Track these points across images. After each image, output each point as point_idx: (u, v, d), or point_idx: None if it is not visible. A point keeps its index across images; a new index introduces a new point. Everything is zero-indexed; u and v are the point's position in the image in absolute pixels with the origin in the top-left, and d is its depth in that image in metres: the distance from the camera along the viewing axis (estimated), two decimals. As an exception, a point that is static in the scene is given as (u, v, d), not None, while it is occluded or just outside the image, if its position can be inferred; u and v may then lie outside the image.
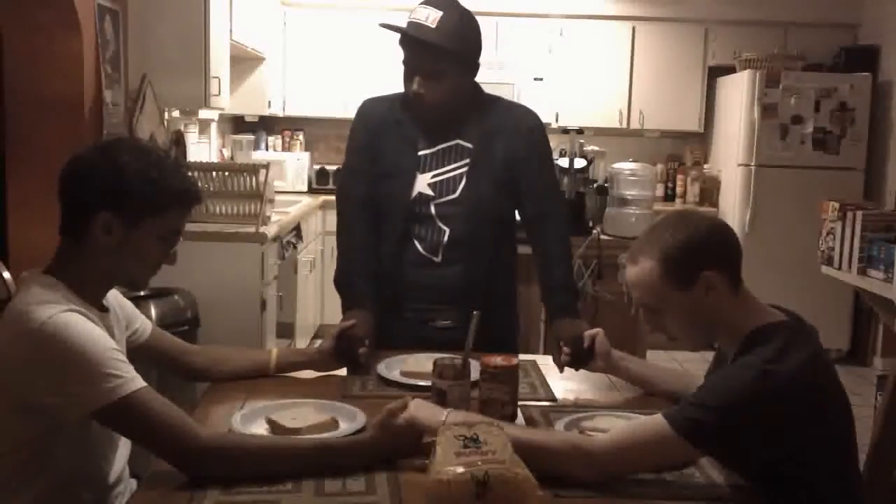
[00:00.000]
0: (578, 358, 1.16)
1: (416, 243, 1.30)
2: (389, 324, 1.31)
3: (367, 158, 1.32)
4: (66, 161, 0.92)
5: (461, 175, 1.29)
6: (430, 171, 1.30)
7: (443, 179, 1.29)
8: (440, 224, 1.29)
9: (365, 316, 1.25)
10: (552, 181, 1.37)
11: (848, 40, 3.60)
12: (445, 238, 1.29)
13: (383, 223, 1.32)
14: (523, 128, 1.32)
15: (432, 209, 1.29)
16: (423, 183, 1.29)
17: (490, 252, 1.32)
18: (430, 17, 1.23)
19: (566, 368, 1.19)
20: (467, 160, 1.29)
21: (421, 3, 1.26)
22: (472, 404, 0.99)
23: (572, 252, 1.39)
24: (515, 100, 2.89)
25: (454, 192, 1.29)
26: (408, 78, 1.28)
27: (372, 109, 1.35)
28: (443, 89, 1.26)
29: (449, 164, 1.30)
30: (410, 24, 1.25)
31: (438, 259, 1.29)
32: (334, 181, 3.62)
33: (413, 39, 1.24)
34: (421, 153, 1.30)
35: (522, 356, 1.20)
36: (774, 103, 3.32)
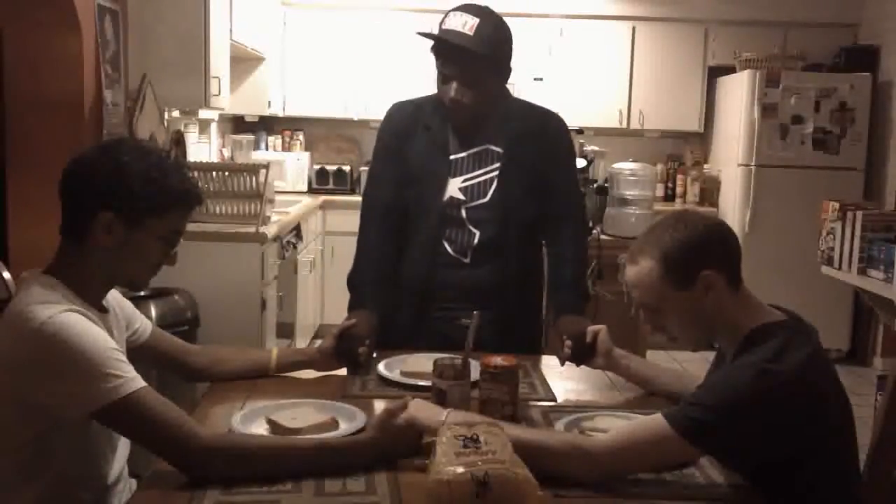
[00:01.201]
0: (580, 353, 1.16)
1: (446, 245, 1.30)
2: (415, 325, 1.31)
3: (394, 163, 1.33)
4: (66, 161, 0.92)
5: (492, 179, 1.30)
6: (461, 175, 1.30)
7: (474, 184, 1.30)
8: (470, 227, 1.30)
9: (367, 316, 1.25)
10: (574, 185, 1.39)
11: (848, 40, 3.60)
12: (476, 240, 1.30)
13: (413, 226, 1.32)
14: (551, 131, 1.34)
15: (463, 213, 1.30)
16: (454, 187, 1.30)
17: (518, 254, 1.33)
18: (468, 24, 1.22)
19: (567, 366, 1.19)
20: (498, 164, 1.30)
21: (454, 10, 1.26)
22: (472, 404, 0.99)
23: (587, 256, 1.40)
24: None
25: (485, 196, 1.30)
26: (445, 84, 1.27)
27: (399, 114, 1.35)
28: (481, 95, 1.26)
29: (480, 168, 1.30)
30: (448, 31, 1.24)
31: (467, 260, 1.30)
32: (334, 181, 3.62)
33: (453, 47, 1.23)
34: (452, 157, 1.31)
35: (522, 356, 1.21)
36: (774, 103, 3.31)
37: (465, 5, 1.26)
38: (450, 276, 1.30)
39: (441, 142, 1.31)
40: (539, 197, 1.32)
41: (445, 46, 1.25)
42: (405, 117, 1.34)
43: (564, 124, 1.38)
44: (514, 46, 1.31)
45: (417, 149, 1.32)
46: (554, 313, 1.34)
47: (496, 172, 1.30)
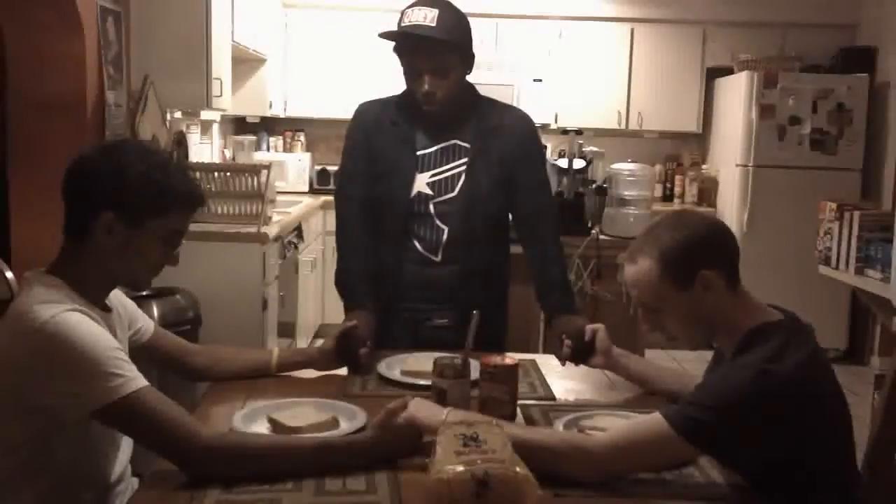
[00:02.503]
0: (579, 352, 1.16)
1: (416, 243, 1.31)
2: (386, 323, 1.32)
3: (365, 160, 1.33)
4: (70, 161, 0.92)
5: (459, 174, 1.31)
6: (428, 170, 1.31)
7: (441, 179, 1.31)
8: (438, 223, 1.30)
9: (367, 317, 1.26)
10: (544, 180, 1.39)
11: (846, 41, 3.60)
12: (444, 237, 1.30)
13: (382, 222, 1.32)
14: (518, 129, 1.35)
15: (431, 208, 1.30)
16: (421, 182, 1.31)
17: (487, 251, 1.34)
18: (429, 16, 1.24)
19: (566, 365, 1.19)
20: (465, 159, 1.31)
21: (409, 7, 1.27)
22: (471, 403, 1.00)
23: (571, 252, 1.41)
24: (515, 101, 2.90)
25: (452, 190, 1.30)
26: (415, 79, 1.28)
27: (367, 112, 1.36)
28: (451, 84, 1.28)
29: (447, 163, 1.31)
30: (410, 27, 1.25)
31: (438, 259, 1.31)
32: (335, 182, 3.61)
33: (421, 39, 1.24)
34: (419, 153, 1.31)
35: (522, 355, 1.21)
36: (772, 104, 3.32)
37: (419, 0, 1.26)
38: (419, 275, 1.31)
39: (408, 137, 1.32)
40: (507, 193, 1.33)
41: (412, 41, 1.25)
42: (373, 115, 1.35)
43: (533, 123, 1.39)
44: (472, 33, 1.31)
45: (385, 144, 1.32)
46: (548, 315, 1.34)
47: (464, 167, 1.30)
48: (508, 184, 1.32)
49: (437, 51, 1.25)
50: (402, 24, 1.26)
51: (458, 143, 1.31)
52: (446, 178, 1.31)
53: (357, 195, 1.34)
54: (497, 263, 1.38)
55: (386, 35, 1.28)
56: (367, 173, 1.33)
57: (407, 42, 1.27)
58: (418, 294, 1.31)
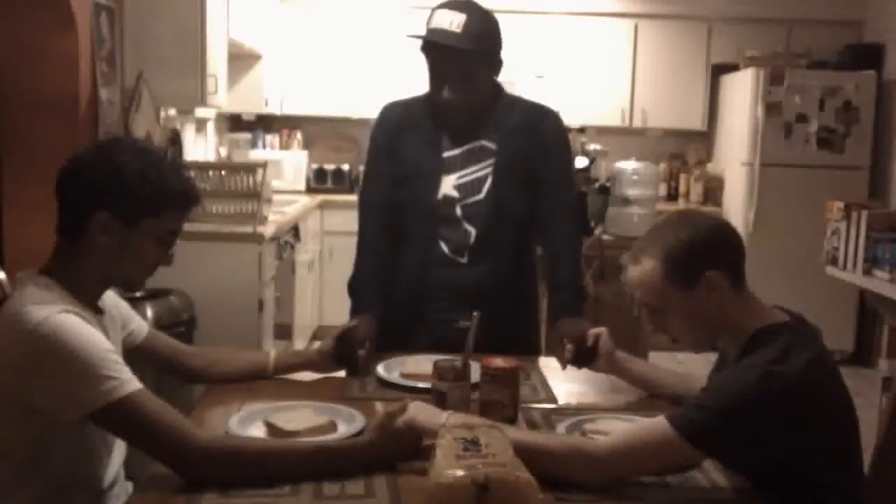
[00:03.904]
0: (581, 356, 1.15)
1: (442, 244, 1.29)
2: (410, 326, 1.31)
3: (387, 162, 1.32)
4: (62, 160, 0.91)
5: (486, 175, 1.29)
6: (455, 172, 1.29)
7: (468, 181, 1.29)
8: (466, 225, 1.29)
9: (368, 320, 1.24)
10: (567, 178, 1.37)
11: (853, 37, 3.58)
12: (472, 239, 1.29)
13: (407, 225, 1.31)
14: (545, 127, 1.33)
15: (458, 210, 1.29)
16: (448, 185, 1.29)
17: (514, 251, 1.32)
18: (455, 21, 1.21)
19: (568, 368, 1.18)
20: (492, 161, 1.29)
21: (439, 8, 1.24)
22: (472, 406, 0.99)
23: (581, 252, 1.39)
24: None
25: (480, 192, 1.29)
26: (437, 84, 1.26)
27: (391, 113, 1.35)
28: (474, 91, 1.26)
29: (474, 164, 1.29)
30: (435, 31, 1.23)
31: (464, 260, 1.29)
32: (333, 181, 3.61)
33: (443, 47, 1.22)
34: (445, 155, 1.30)
35: (524, 358, 1.19)
36: (779, 101, 3.29)
37: (450, 1, 1.24)
38: (445, 277, 1.30)
39: (433, 140, 1.30)
40: (532, 192, 1.31)
41: (435, 46, 1.24)
42: (396, 116, 1.34)
43: (560, 120, 1.37)
44: (502, 36, 1.29)
45: (409, 147, 1.31)
46: (552, 315, 1.32)
47: (490, 169, 1.29)
48: (533, 182, 1.30)
49: (459, 59, 1.22)
50: (429, 27, 1.24)
51: (485, 143, 1.30)
52: (473, 180, 1.29)
53: (379, 200, 1.32)
54: (524, 264, 1.36)
55: (413, 37, 1.26)
56: (389, 176, 1.31)
57: (430, 47, 1.25)
58: (443, 296, 1.29)
